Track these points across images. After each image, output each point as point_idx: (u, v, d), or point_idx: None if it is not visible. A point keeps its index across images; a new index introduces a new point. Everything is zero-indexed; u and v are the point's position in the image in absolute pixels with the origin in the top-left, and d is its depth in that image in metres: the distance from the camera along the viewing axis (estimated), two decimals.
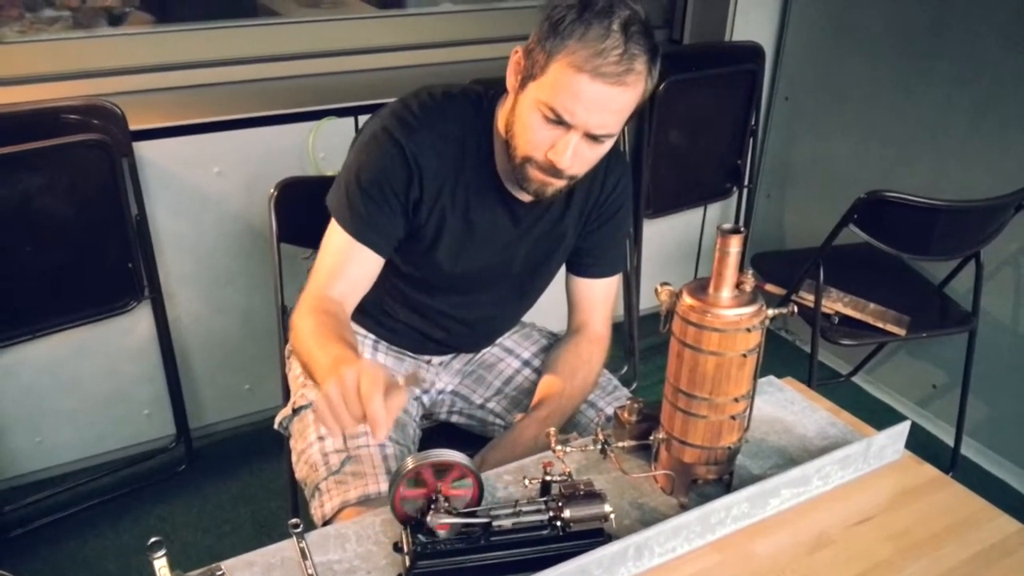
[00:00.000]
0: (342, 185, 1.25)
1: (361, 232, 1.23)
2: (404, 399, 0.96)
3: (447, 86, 1.27)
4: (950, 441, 2.35)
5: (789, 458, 1.14)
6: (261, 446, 2.31)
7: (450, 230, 1.29)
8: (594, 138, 1.13)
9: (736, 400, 0.99)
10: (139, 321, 2.11)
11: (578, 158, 1.14)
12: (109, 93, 1.94)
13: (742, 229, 0.92)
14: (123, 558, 1.97)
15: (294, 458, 1.33)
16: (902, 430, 1.12)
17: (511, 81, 1.18)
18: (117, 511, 2.11)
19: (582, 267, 1.42)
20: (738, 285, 0.95)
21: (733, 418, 1.00)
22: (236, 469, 2.27)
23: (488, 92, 1.27)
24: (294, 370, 1.47)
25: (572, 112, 1.09)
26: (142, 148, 1.94)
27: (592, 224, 1.39)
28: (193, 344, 2.23)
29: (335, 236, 1.25)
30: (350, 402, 0.93)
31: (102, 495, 2.14)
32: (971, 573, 0.97)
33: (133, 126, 1.89)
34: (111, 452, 2.24)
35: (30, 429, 2.10)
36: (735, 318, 0.94)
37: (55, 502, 2.11)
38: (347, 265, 1.24)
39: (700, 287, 0.97)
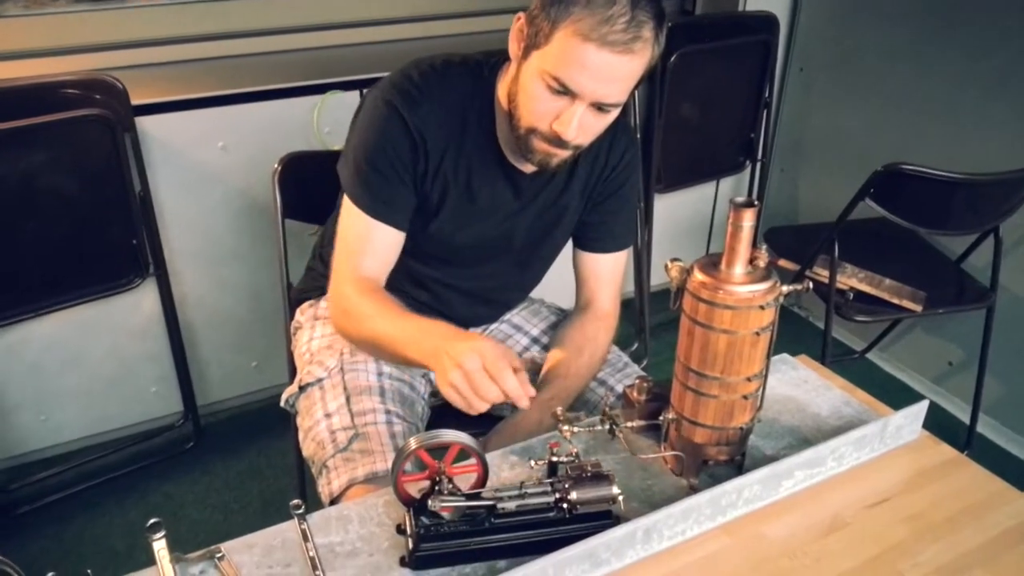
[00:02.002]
0: (351, 163, 1.24)
1: (379, 211, 1.23)
2: (522, 365, 1.06)
3: (447, 55, 1.24)
4: (966, 419, 2.33)
5: (803, 438, 1.12)
6: (268, 423, 2.30)
7: (452, 201, 1.27)
8: (600, 107, 1.10)
9: (748, 380, 0.96)
10: (144, 298, 2.09)
11: (584, 128, 1.12)
12: (110, 67, 1.92)
13: (755, 202, 0.89)
14: (130, 536, 1.97)
15: (301, 436, 1.32)
16: (919, 410, 1.09)
17: (513, 49, 1.14)
18: (124, 489, 2.11)
19: (588, 242, 1.40)
20: (751, 261, 0.92)
21: (745, 398, 0.97)
22: (243, 446, 2.26)
23: (489, 60, 1.24)
24: (300, 346, 1.45)
25: (578, 82, 1.06)
26: (145, 123, 1.92)
27: (597, 197, 1.36)
28: (199, 321, 2.22)
29: (354, 217, 1.24)
30: (482, 387, 1.01)
31: (109, 473, 2.14)
32: (989, 556, 0.95)
33: (135, 100, 1.86)
34: (118, 430, 2.24)
35: (36, 407, 2.09)
36: (748, 295, 0.91)
37: (61, 480, 2.10)
38: (370, 244, 1.25)
39: (712, 263, 0.94)
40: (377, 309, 1.19)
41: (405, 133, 1.19)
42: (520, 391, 1.02)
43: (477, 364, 1.01)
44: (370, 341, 1.22)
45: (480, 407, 1.03)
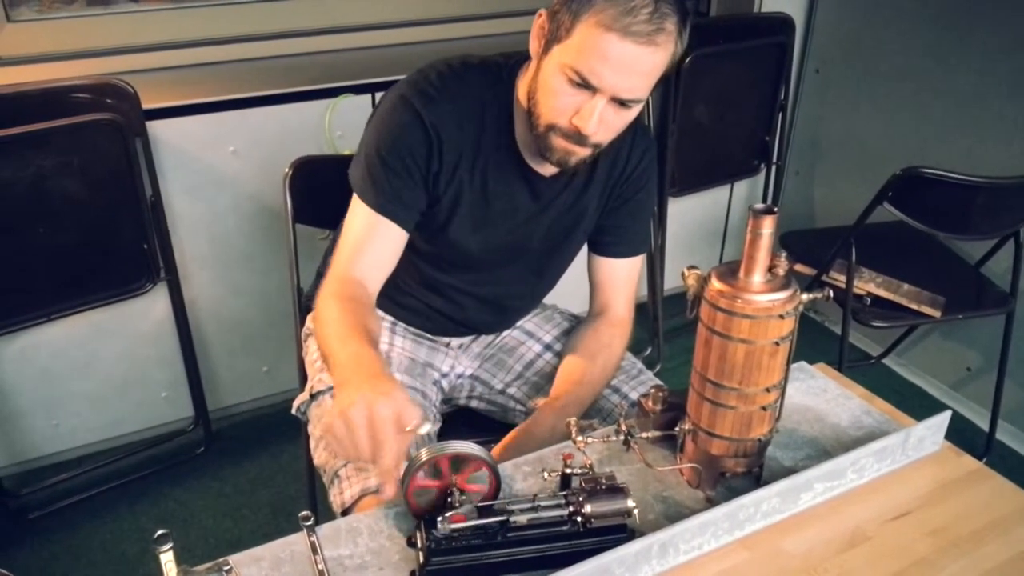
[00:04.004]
0: (363, 158, 1.22)
1: (384, 205, 1.19)
2: (407, 443, 0.91)
3: (465, 56, 1.23)
4: (984, 425, 2.30)
5: (822, 449, 1.09)
6: (280, 429, 2.29)
7: (467, 204, 1.25)
8: (621, 103, 1.08)
9: (767, 390, 0.93)
10: (155, 303, 2.09)
11: (604, 124, 1.09)
12: (122, 71, 1.91)
13: (775, 209, 0.86)
14: (141, 541, 1.96)
15: (312, 444, 1.30)
16: (942, 421, 1.06)
17: (534, 46, 1.13)
18: (135, 494, 2.11)
19: (604, 246, 1.38)
20: (770, 269, 0.90)
21: (764, 409, 0.95)
22: (255, 452, 2.25)
23: (508, 62, 1.22)
24: (311, 354, 1.44)
25: (599, 75, 1.04)
26: (156, 127, 1.91)
27: (615, 201, 1.34)
28: (210, 326, 2.21)
29: (358, 211, 1.22)
30: (359, 445, 0.89)
31: (120, 478, 2.14)
32: (1015, 572, 0.92)
33: (146, 105, 1.86)
34: (129, 435, 2.23)
35: (47, 412, 2.09)
36: (767, 304, 0.88)
37: (73, 485, 2.10)
38: (371, 241, 1.21)
39: (730, 271, 0.91)
40: (337, 317, 1.11)
41: (421, 130, 1.17)
42: (389, 473, 0.89)
43: (362, 420, 0.88)
44: (319, 344, 1.15)
45: (352, 458, 0.97)
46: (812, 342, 2.70)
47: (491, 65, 1.22)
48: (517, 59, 1.21)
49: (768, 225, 0.87)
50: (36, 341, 1.99)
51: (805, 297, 0.91)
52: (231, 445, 2.28)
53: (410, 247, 1.31)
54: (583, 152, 1.14)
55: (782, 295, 0.89)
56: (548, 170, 1.24)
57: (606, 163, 1.29)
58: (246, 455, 2.24)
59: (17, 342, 1.96)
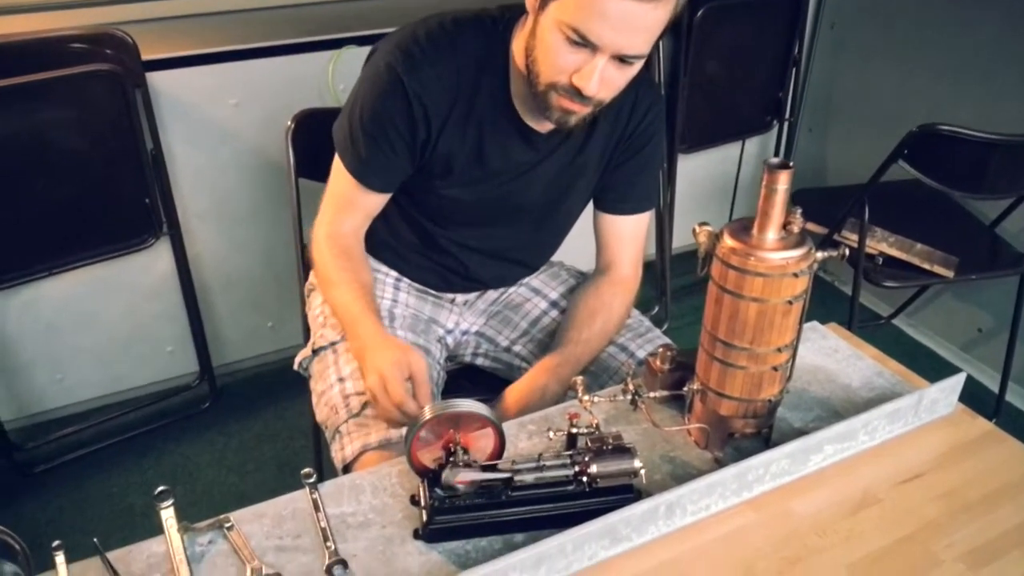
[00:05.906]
0: (346, 121, 1.22)
1: (362, 175, 1.23)
2: (425, 384, 1.10)
3: (457, 12, 1.19)
4: (994, 387, 2.28)
5: (833, 410, 1.07)
6: (285, 384, 2.29)
7: (460, 163, 1.23)
8: (623, 60, 1.04)
9: (779, 350, 0.91)
10: (158, 258, 2.07)
11: (605, 82, 1.06)
12: (120, 21, 1.87)
13: (791, 164, 0.83)
14: (147, 495, 1.95)
15: (314, 399, 1.30)
16: (956, 383, 1.04)
17: (530, 0, 1.08)
18: (141, 448, 2.11)
19: (609, 203, 1.35)
20: (785, 226, 0.87)
21: (775, 369, 0.93)
22: (260, 407, 2.25)
23: (503, 15, 1.18)
24: (314, 309, 1.42)
25: (599, 33, 1.00)
26: (156, 79, 1.88)
27: (620, 157, 1.30)
28: (214, 281, 2.20)
29: (341, 174, 1.25)
30: (387, 409, 1.08)
31: (126, 432, 2.14)
32: None
33: (146, 56, 1.82)
34: (134, 389, 2.23)
35: (52, 366, 2.09)
36: (781, 262, 0.86)
37: (78, 439, 2.11)
38: (353, 202, 1.27)
39: (743, 228, 0.89)
40: (339, 278, 1.24)
41: (404, 101, 1.15)
42: (415, 413, 1.03)
43: (380, 388, 1.07)
44: (323, 293, 1.30)
45: (393, 422, 1.11)
46: (822, 301, 2.67)
47: (485, 21, 1.18)
48: (512, 13, 1.17)
49: (784, 180, 0.84)
50: (39, 295, 1.98)
51: (820, 255, 0.89)
52: (236, 401, 2.28)
53: (412, 203, 1.31)
54: (584, 110, 1.11)
55: (796, 253, 0.86)
56: (545, 126, 1.21)
57: (609, 119, 1.25)
58: (251, 411, 2.24)
59: (20, 296, 1.95)
